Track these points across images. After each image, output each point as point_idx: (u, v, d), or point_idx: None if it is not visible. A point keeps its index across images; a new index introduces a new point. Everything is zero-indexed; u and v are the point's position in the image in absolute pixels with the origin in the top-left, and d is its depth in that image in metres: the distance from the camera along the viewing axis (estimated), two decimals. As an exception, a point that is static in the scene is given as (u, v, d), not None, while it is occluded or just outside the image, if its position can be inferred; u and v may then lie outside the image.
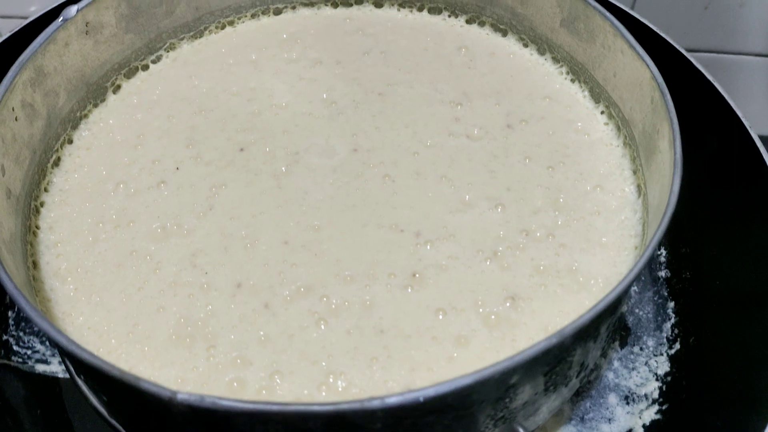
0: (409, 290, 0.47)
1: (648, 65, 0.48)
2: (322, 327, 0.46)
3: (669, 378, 0.54)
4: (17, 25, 0.63)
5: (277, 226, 0.51)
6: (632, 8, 0.84)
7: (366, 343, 0.45)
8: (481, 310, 0.46)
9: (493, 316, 0.46)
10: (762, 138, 0.54)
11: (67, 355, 0.48)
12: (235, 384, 0.43)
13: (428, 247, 0.49)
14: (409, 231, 0.50)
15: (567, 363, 0.40)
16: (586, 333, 0.38)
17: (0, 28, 0.89)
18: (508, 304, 0.46)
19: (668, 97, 0.46)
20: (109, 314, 0.47)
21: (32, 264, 0.49)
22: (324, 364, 0.44)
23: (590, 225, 0.50)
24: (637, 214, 0.50)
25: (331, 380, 0.44)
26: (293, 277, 0.48)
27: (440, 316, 0.46)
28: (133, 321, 0.47)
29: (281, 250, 0.49)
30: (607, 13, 0.52)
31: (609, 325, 0.45)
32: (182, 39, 0.63)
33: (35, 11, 0.64)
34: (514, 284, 0.47)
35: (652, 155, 0.49)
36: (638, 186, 0.51)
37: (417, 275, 0.48)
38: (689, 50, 0.97)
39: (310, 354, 0.45)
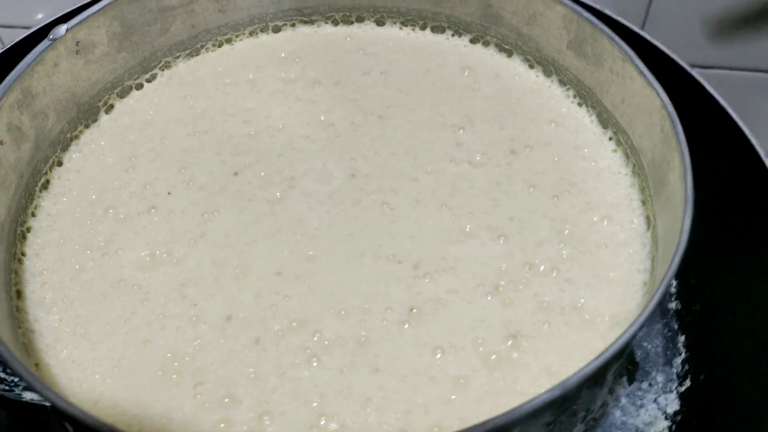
0: (407, 326, 0.45)
1: (658, 93, 0.46)
2: (315, 364, 0.44)
3: (679, 417, 0.52)
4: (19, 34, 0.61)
5: (270, 255, 0.49)
6: (642, 27, 0.82)
7: (360, 382, 0.43)
8: (481, 348, 0.44)
9: (493, 356, 0.44)
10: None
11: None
12: (223, 425, 0.42)
13: (427, 279, 0.47)
14: (408, 262, 0.48)
15: (571, 411, 0.38)
16: (591, 381, 0.36)
17: (3, 37, 0.88)
18: (509, 343, 0.44)
19: (679, 127, 0.44)
20: (94, 347, 0.45)
21: (16, 293, 0.48)
22: (315, 404, 0.42)
23: (597, 258, 0.48)
24: (645, 247, 0.48)
25: (323, 422, 0.42)
26: (286, 311, 0.46)
27: (438, 355, 0.44)
28: (119, 355, 0.45)
29: (274, 281, 0.47)
30: (616, 37, 0.50)
31: (616, 369, 0.43)
32: (178, 57, 0.61)
33: (41, 19, 0.62)
34: (517, 321, 0.45)
35: (661, 187, 0.47)
36: (647, 218, 0.49)
37: (415, 310, 0.46)
38: (703, 67, 0.95)
39: (302, 393, 0.43)
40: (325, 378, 0.43)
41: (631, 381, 0.54)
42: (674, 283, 0.58)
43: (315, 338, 0.45)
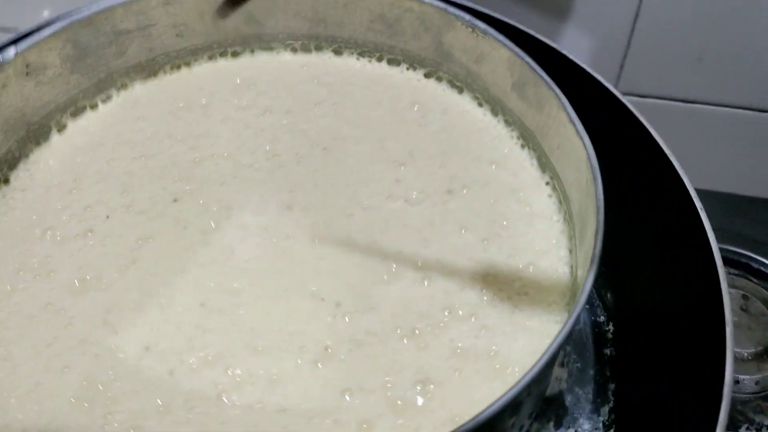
0: (319, 366, 0.46)
1: (584, 144, 0.46)
2: (225, 400, 0.44)
3: (600, 467, 0.52)
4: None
5: (196, 286, 0.49)
6: (617, 81, 0.82)
7: (266, 421, 0.43)
8: (389, 393, 0.44)
9: (399, 401, 0.44)
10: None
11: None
12: (126, 458, 0.42)
13: (346, 319, 0.48)
14: (330, 301, 0.48)
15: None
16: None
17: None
18: (418, 388, 0.44)
19: (599, 181, 0.44)
20: (15, 370, 0.46)
21: (-55, 312, 0.49)
22: (219, 441, 0.43)
23: (516, 307, 0.48)
24: (564, 298, 0.48)
25: (226, 460, 0.42)
26: (203, 344, 0.47)
27: (347, 397, 0.44)
28: (37, 379, 0.46)
29: (196, 314, 0.48)
30: (552, 84, 0.50)
31: (513, 424, 0.43)
32: (135, 79, 0.62)
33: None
34: (429, 366, 0.45)
35: (582, 238, 0.47)
36: (572, 267, 0.49)
37: (329, 350, 0.46)
38: (686, 101, 0.95)
39: (208, 430, 0.43)
40: (231, 415, 0.44)
41: (558, 426, 0.54)
42: (611, 329, 0.58)
43: (228, 373, 0.45)
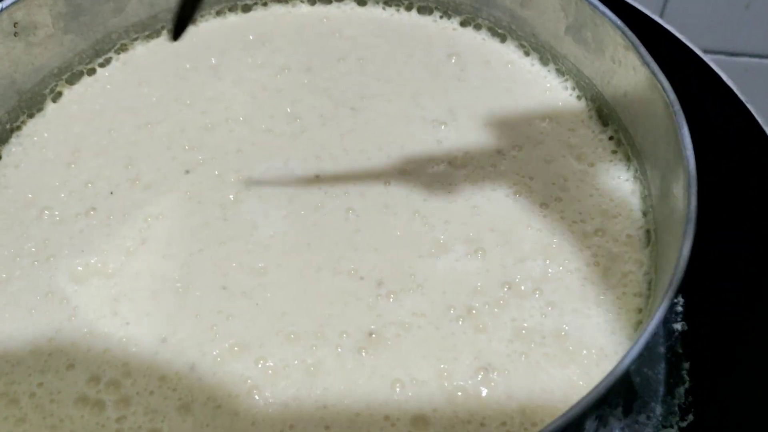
0: (363, 354, 0.39)
1: (663, 87, 0.40)
2: (256, 397, 0.38)
3: (679, 457, 0.45)
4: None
5: (216, 267, 0.43)
6: (661, 15, 0.75)
7: (305, 420, 0.37)
8: (446, 383, 0.38)
9: (459, 393, 0.38)
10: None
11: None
12: (143, 467, 0.36)
13: (391, 299, 0.41)
14: (370, 279, 0.42)
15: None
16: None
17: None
18: (479, 377, 0.38)
19: (685, 130, 0.37)
20: (14, 369, 0.40)
21: (-68, 306, 0.43)
22: (251, 446, 0.37)
23: (586, 279, 0.41)
24: (643, 267, 0.41)
25: (259, 466, 0.36)
26: (227, 333, 0.40)
27: (397, 389, 0.38)
28: (39, 379, 0.40)
29: (217, 298, 0.42)
30: (618, 21, 0.43)
31: (597, 416, 0.37)
32: (135, 39, 0.56)
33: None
34: (489, 351, 0.39)
35: (664, 198, 0.40)
36: (647, 232, 0.43)
37: (374, 335, 0.40)
38: (729, 54, 0.87)
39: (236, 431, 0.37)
40: (264, 414, 0.38)
41: (627, 412, 0.48)
42: (681, 301, 0.52)
43: (258, 366, 0.39)
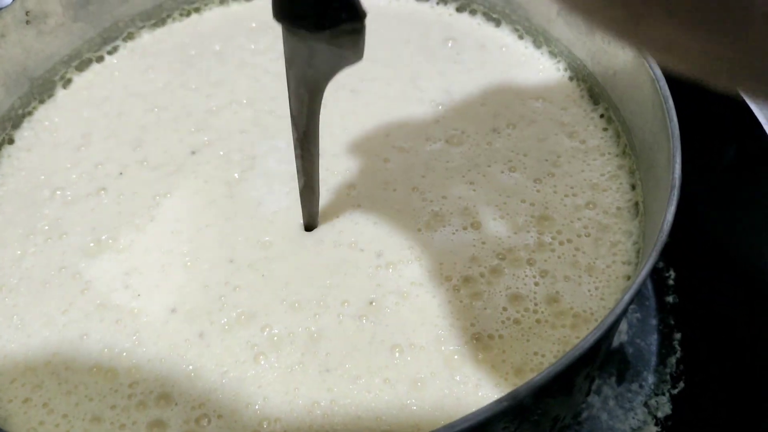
0: (364, 321, 0.41)
1: (650, 64, 0.41)
2: (262, 362, 0.40)
3: (670, 423, 0.47)
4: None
5: (223, 241, 0.45)
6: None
7: (308, 384, 0.39)
8: (443, 347, 0.40)
9: (456, 356, 0.39)
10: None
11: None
12: (155, 429, 0.38)
13: (390, 270, 0.43)
14: (370, 251, 0.44)
15: (531, 422, 0.34)
16: (550, 391, 0.32)
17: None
18: (475, 342, 0.40)
19: (670, 102, 0.39)
20: (29, 339, 0.42)
21: (-49, 280, 0.45)
22: (257, 407, 0.38)
23: (577, 249, 0.43)
24: (632, 237, 0.43)
25: (265, 426, 0.38)
26: (234, 302, 0.42)
27: (396, 354, 0.40)
28: (54, 349, 0.42)
29: (225, 270, 0.44)
30: (607, 2, 0.45)
31: (587, 375, 0.38)
32: (142, 27, 0.58)
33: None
34: (484, 317, 0.41)
35: (651, 169, 0.42)
36: (636, 204, 0.44)
37: (374, 303, 0.42)
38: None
39: (244, 395, 0.39)
40: (270, 378, 0.39)
41: (620, 381, 0.50)
42: (672, 275, 0.53)
43: (264, 333, 0.41)
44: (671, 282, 0.53)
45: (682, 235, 0.55)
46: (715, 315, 0.50)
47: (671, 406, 0.48)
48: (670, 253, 0.53)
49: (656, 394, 0.49)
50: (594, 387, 0.49)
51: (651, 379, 0.49)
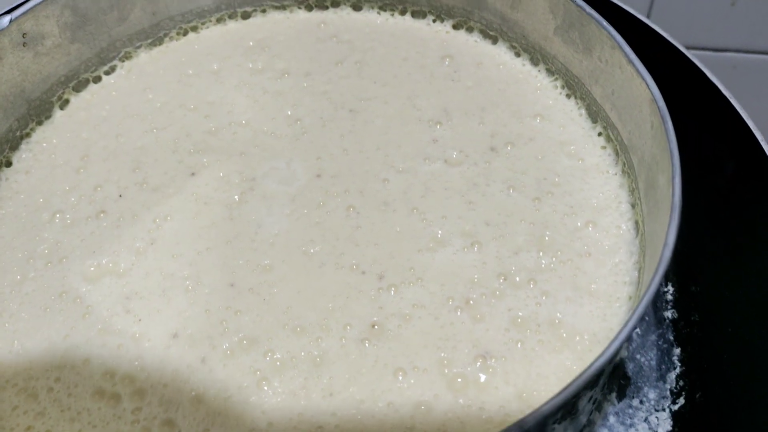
0: (366, 344, 0.41)
1: (648, 85, 0.42)
2: (265, 387, 0.40)
3: (671, 439, 0.47)
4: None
5: (223, 265, 0.45)
6: (648, 15, 0.77)
7: (312, 408, 0.39)
8: (446, 370, 0.40)
9: (459, 379, 0.40)
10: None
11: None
12: (159, 456, 0.38)
13: (392, 292, 0.43)
14: (372, 273, 0.44)
15: (536, 448, 0.34)
16: (555, 416, 0.32)
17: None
18: (478, 364, 0.40)
19: (670, 124, 0.39)
20: (31, 365, 0.42)
21: (-50, 306, 0.44)
22: (262, 433, 0.38)
23: (578, 269, 0.43)
24: (633, 257, 0.43)
25: (269, 452, 0.38)
26: (236, 327, 0.42)
27: (399, 377, 0.40)
28: (56, 374, 0.41)
29: (226, 294, 0.44)
30: (604, 22, 0.45)
31: (591, 397, 0.38)
32: (139, 47, 0.57)
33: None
34: (487, 339, 0.41)
35: (651, 189, 0.42)
36: (636, 223, 0.45)
37: (376, 327, 0.42)
38: (716, 50, 0.89)
39: (248, 420, 0.39)
40: (273, 403, 0.39)
41: (621, 397, 0.50)
42: (671, 289, 0.54)
43: (266, 358, 0.41)
44: (670, 297, 0.53)
45: (681, 251, 0.55)
46: (715, 330, 0.50)
47: (671, 422, 0.48)
48: (668, 268, 0.53)
49: (656, 410, 0.49)
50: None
51: (652, 394, 0.50)
